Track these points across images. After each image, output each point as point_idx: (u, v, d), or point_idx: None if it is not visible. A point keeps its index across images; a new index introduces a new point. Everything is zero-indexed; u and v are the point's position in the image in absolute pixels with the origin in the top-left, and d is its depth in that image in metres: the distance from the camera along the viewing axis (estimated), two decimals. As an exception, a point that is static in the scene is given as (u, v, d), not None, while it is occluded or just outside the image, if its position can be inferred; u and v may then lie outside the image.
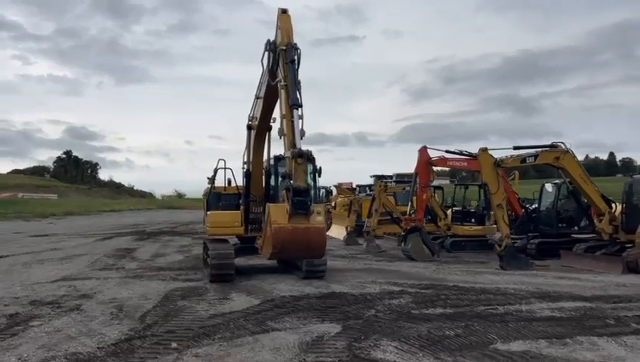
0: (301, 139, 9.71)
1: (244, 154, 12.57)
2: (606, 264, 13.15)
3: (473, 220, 19.15)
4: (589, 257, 13.97)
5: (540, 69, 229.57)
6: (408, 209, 16.61)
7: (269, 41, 10.75)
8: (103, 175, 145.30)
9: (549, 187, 17.06)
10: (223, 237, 12.14)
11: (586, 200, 14.86)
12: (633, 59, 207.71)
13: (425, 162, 16.31)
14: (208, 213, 12.43)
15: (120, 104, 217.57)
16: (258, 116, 11.98)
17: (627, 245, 13.68)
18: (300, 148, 9.18)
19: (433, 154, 16.47)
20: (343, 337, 6.47)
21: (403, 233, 16.63)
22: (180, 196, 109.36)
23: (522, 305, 8.47)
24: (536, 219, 17.01)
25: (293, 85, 9.65)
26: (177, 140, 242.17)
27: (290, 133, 9.43)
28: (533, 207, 17.84)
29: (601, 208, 14.08)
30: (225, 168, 12.87)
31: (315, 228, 9.14)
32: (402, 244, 16.40)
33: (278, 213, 9.12)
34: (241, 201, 12.44)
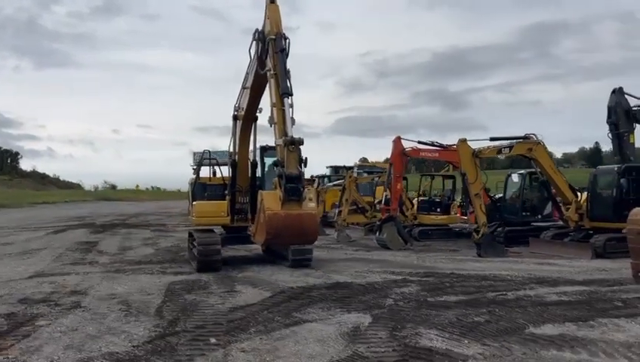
0: (291, 126, 9.67)
1: (229, 145, 12.41)
2: (575, 250, 13.85)
3: (438, 209, 19.62)
4: (558, 244, 14.67)
5: (468, 64, 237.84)
6: (383, 198, 16.76)
7: (257, 30, 10.63)
8: (24, 165, 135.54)
9: (514, 177, 17.76)
10: (208, 226, 11.89)
11: (554, 190, 15.55)
12: (550, 58, 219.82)
13: (399, 153, 16.51)
14: (194, 203, 12.16)
15: (40, 89, 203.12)
16: (244, 106, 11.83)
17: (591, 232, 14.49)
18: (292, 136, 9.19)
19: (406, 145, 16.75)
20: (379, 327, 6.40)
21: (378, 222, 16.76)
22: (113, 187, 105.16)
23: (527, 290, 8.75)
24: (501, 208, 17.63)
25: (284, 74, 9.64)
26: (103, 129, 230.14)
27: (281, 122, 9.43)
28: (498, 196, 18.50)
29: (568, 197, 14.81)
30: (210, 158, 12.60)
31: (308, 214, 9.22)
32: (377, 233, 16.54)
33: (271, 200, 9.10)
34: (226, 191, 12.26)
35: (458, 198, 20.51)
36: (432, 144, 17.02)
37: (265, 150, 12.82)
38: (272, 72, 9.90)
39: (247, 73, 11.84)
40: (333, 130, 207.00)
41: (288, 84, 9.68)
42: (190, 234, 12.74)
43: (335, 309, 7.33)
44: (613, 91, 19.90)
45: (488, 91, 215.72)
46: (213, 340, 5.83)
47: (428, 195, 20.39)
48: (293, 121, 9.69)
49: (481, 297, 8.21)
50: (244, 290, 8.66)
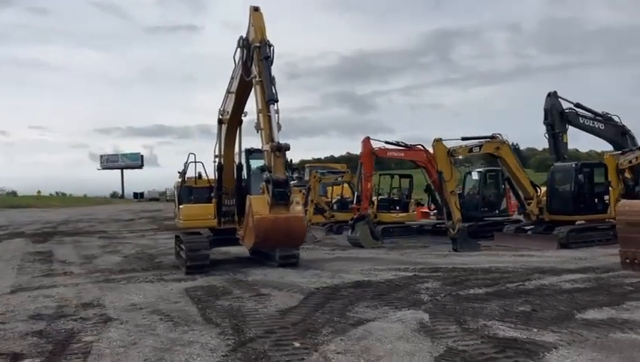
0: (278, 132, 9.82)
1: (215, 148, 12.32)
2: (540, 242, 14.82)
3: (398, 208, 20.14)
4: (523, 236, 15.63)
5: (374, 68, 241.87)
6: (355, 198, 16.96)
7: (241, 37, 10.88)
8: None
9: (474, 174, 18.65)
10: (196, 229, 11.83)
11: (512, 186, 16.52)
12: (450, 63, 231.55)
13: (369, 152, 16.77)
14: (181, 206, 11.91)
15: None
16: (229, 110, 11.92)
17: (550, 224, 15.58)
18: (279, 142, 9.48)
19: (374, 145, 17.07)
20: (442, 321, 6.50)
21: (350, 221, 16.91)
22: (14, 194, 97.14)
23: (538, 280, 9.26)
24: (460, 205, 18.39)
25: (269, 81, 9.96)
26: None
27: (268, 128, 9.73)
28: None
29: (530, 193, 15.82)
30: (195, 162, 12.44)
31: (295, 218, 9.58)
32: (350, 232, 16.68)
33: (259, 205, 9.35)
34: (212, 194, 12.17)
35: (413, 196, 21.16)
36: (398, 144, 17.47)
37: (250, 153, 12.73)
38: (257, 78, 10.09)
39: (231, 78, 11.98)
40: (245, 132, 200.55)
41: (273, 91, 9.89)
42: (177, 238, 12.44)
43: (382, 307, 7.33)
44: (549, 95, 21.58)
45: (393, 94, 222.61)
46: (297, 344, 5.64)
47: (388, 194, 20.84)
48: (279, 126, 9.83)
49: (504, 288, 8.58)
50: (272, 293, 8.41)
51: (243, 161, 12.76)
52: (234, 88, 11.70)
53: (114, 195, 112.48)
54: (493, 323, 6.42)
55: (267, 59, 10.02)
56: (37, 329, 6.53)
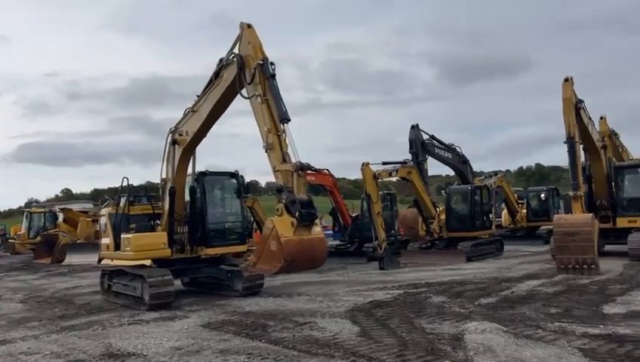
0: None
1: (162, 170, 11.15)
2: (449, 257, 16.38)
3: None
4: (430, 253, 17.08)
5: (171, 94, 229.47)
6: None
7: (235, 54, 10.34)
8: None
9: (374, 198, 19.72)
10: (142, 262, 10.68)
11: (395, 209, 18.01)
12: None
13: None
14: (128, 236, 10.59)
15: None
16: (192, 131, 10.91)
17: (449, 241, 17.37)
18: (300, 162, 9.45)
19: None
20: (521, 328, 7.00)
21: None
22: None
23: (514, 287, 10.41)
24: (359, 226, 19.30)
25: (279, 99, 9.71)
26: None
27: (279, 148, 9.62)
28: (355, 215, 20.19)
29: (432, 213, 17.43)
30: (129, 186, 11.46)
31: (319, 239, 9.62)
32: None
33: (283, 227, 9.12)
34: (158, 222, 11.13)
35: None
36: (309, 167, 17.72)
37: (204, 175, 11.57)
38: (262, 97, 9.64)
39: (199, 96, 10.96)
40: (16, 158, 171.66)
41: (284, 109, 9.59)
42: (113, 273, 11.31)
43: (441, 322, 7.56)
44: (412, 127, 24.15)
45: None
46: (449, 363, 5.55)
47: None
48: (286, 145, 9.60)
49: (504, 296, 9.52)
50: (311, 321, 7.96)
51: (196, 185, 11.64)
52: (205, 108, 10.71)
53: None
54: (561, 324, 7.16)
55: (273, 78, 9.54)
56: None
